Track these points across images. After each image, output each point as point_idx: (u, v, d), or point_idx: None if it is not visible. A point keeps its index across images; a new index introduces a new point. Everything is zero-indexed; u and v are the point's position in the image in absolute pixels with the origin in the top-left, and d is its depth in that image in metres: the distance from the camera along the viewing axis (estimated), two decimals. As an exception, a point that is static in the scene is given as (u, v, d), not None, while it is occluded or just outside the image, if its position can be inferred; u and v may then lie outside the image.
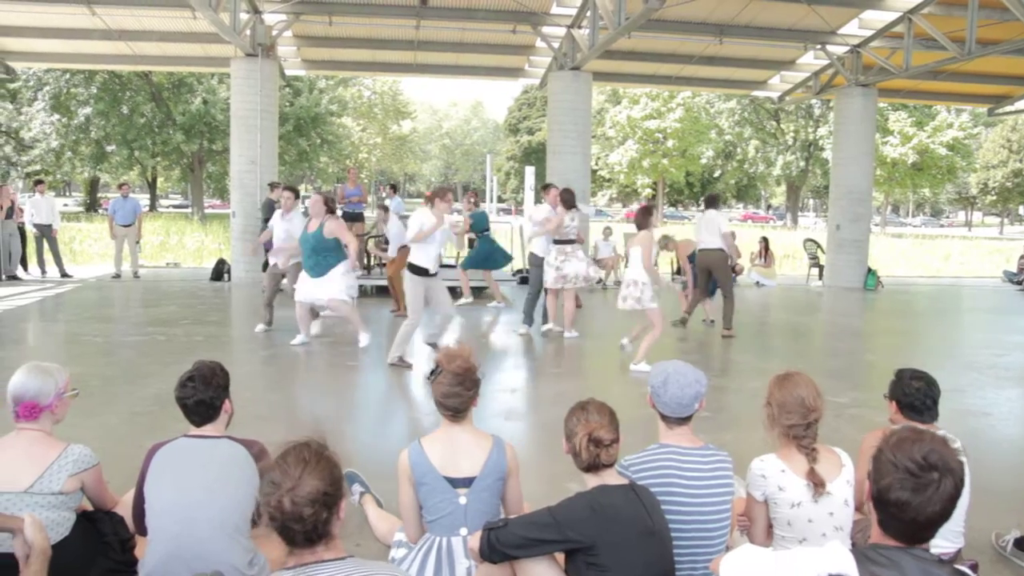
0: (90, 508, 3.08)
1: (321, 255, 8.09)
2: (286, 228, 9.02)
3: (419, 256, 7.40)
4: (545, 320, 9.54)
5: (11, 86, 34.69)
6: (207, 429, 2.97)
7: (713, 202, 10.59)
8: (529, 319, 9.61)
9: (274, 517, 1.97)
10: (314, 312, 8.89)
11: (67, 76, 34.09)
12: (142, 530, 2.87)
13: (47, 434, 2.91)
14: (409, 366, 7.52)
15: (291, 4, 13.70)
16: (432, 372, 3.07)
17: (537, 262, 9.49)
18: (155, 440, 3.00)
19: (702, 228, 10.13)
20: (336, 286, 8.15)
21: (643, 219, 7.88)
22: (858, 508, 3.02)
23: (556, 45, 15.09)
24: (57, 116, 35.07)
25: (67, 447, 2.88)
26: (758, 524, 2.92)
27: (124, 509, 3.11)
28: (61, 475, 2.80)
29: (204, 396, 2.93)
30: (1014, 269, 19.57)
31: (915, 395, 3.29)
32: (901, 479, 1.88)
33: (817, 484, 2.76)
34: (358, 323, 8.27)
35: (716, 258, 9.94)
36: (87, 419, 5.29)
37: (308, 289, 8.23)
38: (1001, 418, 6.42)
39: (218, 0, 10.92)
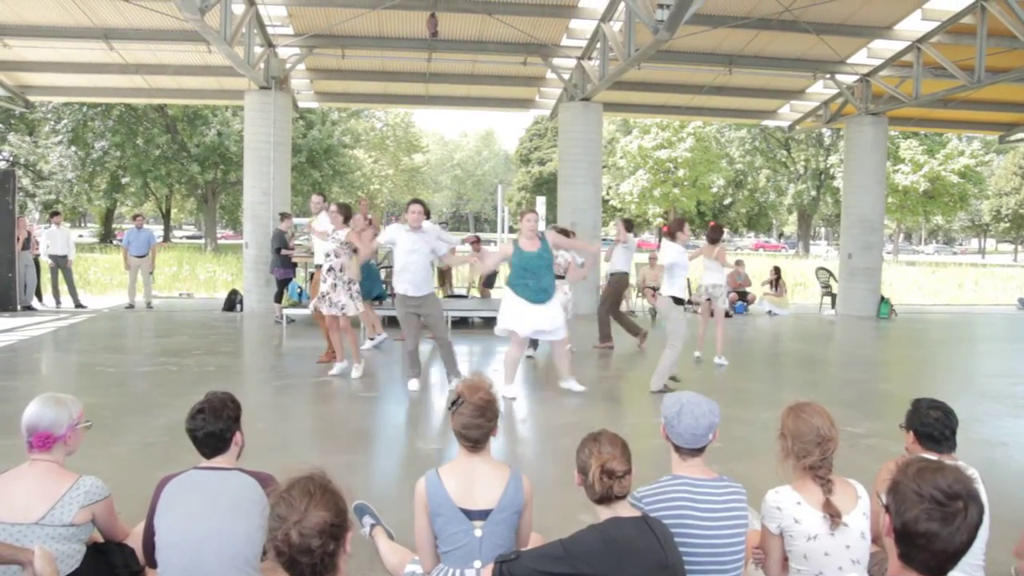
0: (101, 540, 3.07)
1: (550, 276, 7.48)
2: (423, 245, 7.51)
3: (675, 288, 7.82)
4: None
5: (30, 119, 35.28)
6: (218, 461, 2.96)
7: (630, 227, 11.02)
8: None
9: (281, 551, 1.96)
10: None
11: (84, 109, 34.64)
12: (152, 562, 2.86)
13: (59, 465, 2.91)
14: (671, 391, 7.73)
15: (304, 38, 13.91)
16: (453, 403, 3.05)
17: None
18: (166, 471, 3.00)
19: (618, 251, 10.77)
20: (560, 316, 7.56)
21: (716, 235, 9.83)
22: (875, 540, 2.98)
23: (566, 76, 15.22)
24: (74, 149, 35.58)
25: (79, 479, 2.88)
26: (773, 557, 2.88)
27: (135, 541, 3.10)
28: (72, 507, 2.80)
29: (214, 428, 2.92)
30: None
31: (933, 425, 3.24)
32: (928, 510, 1.87)
33: (833, 515, 2.72)
34: (511, 374, 7.58)
35: (624, 282, 11.02)
36: (99, 449, 5.30)
37: (534, 320, 7.37)
38: (1019, 448, 6.33)
39: (233, 34, 11.09)
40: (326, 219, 8.96)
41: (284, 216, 13.21)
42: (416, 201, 7.65)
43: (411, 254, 7.40)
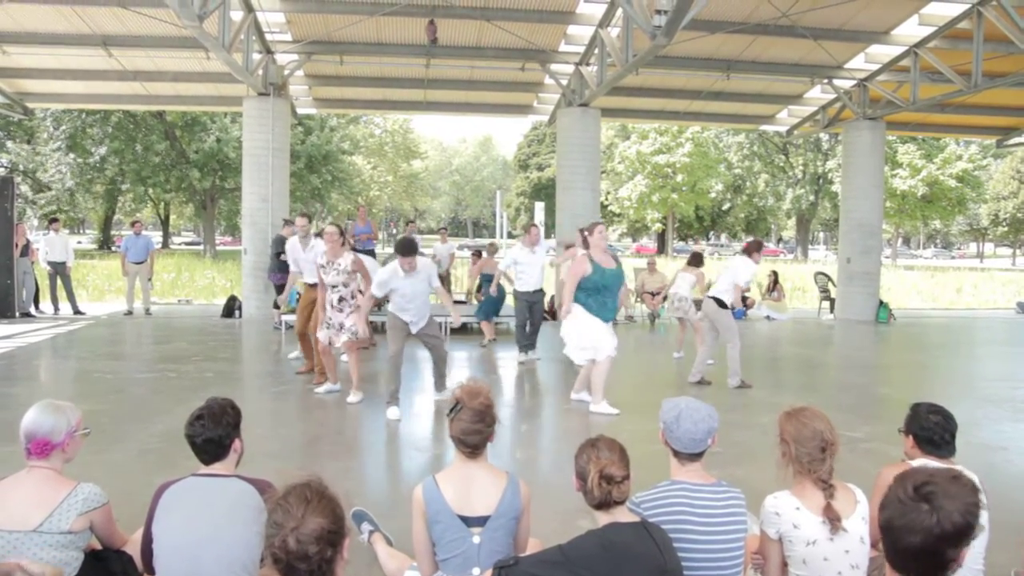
0: (99, 547, 3.06)
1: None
2: (421, 285, 7.06)
3: (720, 292, 8.70)
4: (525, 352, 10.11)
5: (28, 125, 35.29)
6: (216, 467, 2.95)
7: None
8: (524, 346, 10.05)
9: (278, 558, 1.95)
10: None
11: (83, 116, 34.67)
12: (150, 569, 2.85)
13: (57, 472, 2.90)
14: (750, 386, 8.52)
15: (303, 44, 13.93)
16: (452, 409, 3.04)
17: (525, 297, 9.92)
18: (165, 478, 2.99)
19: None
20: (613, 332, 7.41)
21: (698, 262, 10.26)
22: (874, 545, 2.97)
23: (564, 82, 15.24)
24: (73, 155, 35.59)
25: (77, 486, 2.87)
26: (772, 562, 2.88)
27: (133, 548, 3.09)
28: (70, 514, 2.79)
29: (213, 434, 2.91)
30: (1028, 301, 19.45)
31: (933, 429, 3.24)
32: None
33: (834, 520, 2.72)
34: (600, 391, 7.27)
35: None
36: (97, 456, 5.29)
37: (607, 336, 7.21)
38: (1019, 452, 6.33)
39: (231, 41, 11.10)
40: (320, 245, 8.47)
41: (286, 222, 13.19)
42: (408, 251, 6.84)
43: (410, 297, 6.99)
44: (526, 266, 9.85)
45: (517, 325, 10.11)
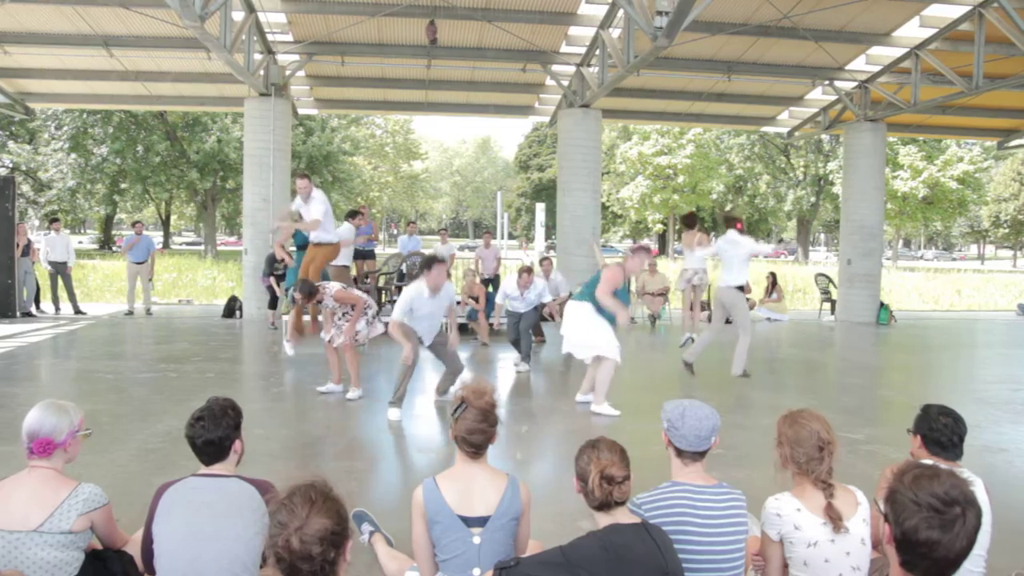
0: (100, 547, 3.06)
1: None
2: (439, 310, 7.34)
3: (740, 278, 8.87)
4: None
5: (30, 126, 35.32)
6: (216, 468, 2.95)
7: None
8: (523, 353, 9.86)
9: (281, 558, 1.96)
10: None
11: (84, 116, 34.71)
12: (150, 569, 2.85)
13: (58, 472, 2.91)
14: (748, 375, 8.72)
15: (304, 45, 13.94)
16: (456, 408, 3.04)
17: (513, 319, 9.91)
18: (165, 478, 2.99)
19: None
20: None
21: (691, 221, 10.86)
22: (875, 547, 2.97)
23: (566, 83, 15.25)
24: (74, 156, 35.62)
25: (78, 486, 2.87)
26: (773, 564, 2.88)
27: (134, 548, 3.09)
28: (71, 514, 2.79)
29: (213, 436, 2.91)
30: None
31: (943, 431, 3.23)
32: (927, 518, 1.87)
33: (835, 519, 2.72)
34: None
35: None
36: (98, 456, 5.29)
37: (613, 339, 7.43)
38: (1019, 454, 6.32)
39: (232, 41, 11.11)
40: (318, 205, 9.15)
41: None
42: (435, 261, 7.05)
43: (428, 318, 7.15)
44: (513, 301, 9.84)
45: (509, 340, 10.13)
